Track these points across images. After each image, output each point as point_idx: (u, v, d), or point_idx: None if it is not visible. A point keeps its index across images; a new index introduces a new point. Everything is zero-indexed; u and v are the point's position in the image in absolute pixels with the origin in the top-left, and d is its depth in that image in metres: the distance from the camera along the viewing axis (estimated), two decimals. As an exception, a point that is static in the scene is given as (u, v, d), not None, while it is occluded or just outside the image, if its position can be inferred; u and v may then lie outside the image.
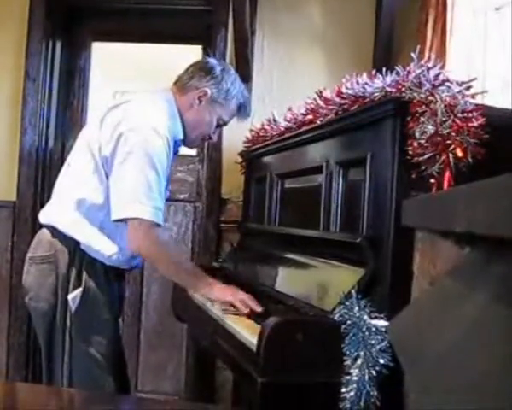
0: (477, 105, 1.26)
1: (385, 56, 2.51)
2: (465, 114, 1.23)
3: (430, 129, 1.23)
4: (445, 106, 1.23)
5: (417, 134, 1.25)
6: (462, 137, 1.21)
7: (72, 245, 1.68)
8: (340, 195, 1.56)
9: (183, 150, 2.01)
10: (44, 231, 1.73)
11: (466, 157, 1.21)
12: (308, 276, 1.61)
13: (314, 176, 1.72)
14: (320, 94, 1.70)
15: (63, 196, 1.74)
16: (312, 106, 1.73)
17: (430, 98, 1.25)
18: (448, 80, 1.28)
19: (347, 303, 1.21)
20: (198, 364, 2.54)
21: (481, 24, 2.05)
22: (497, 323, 0.57)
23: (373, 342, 1.16)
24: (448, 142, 1.21)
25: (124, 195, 1.62)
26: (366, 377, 1.14)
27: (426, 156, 1.24)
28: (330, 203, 1.59)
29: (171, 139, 1.70)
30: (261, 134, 2.17)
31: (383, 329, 1.16)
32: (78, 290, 1.66)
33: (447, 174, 1.22)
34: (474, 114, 1.23)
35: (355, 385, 1.14)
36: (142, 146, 1.61)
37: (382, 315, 1.19)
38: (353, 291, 1.24)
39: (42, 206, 1.94)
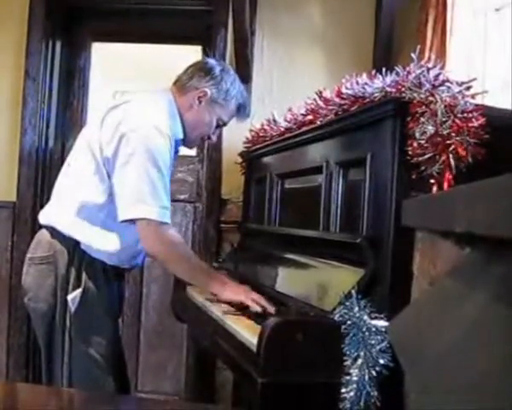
0: (477, 105, 1.25)
1: (385, 56, 2.51)
2: (465, 115, 1.23)
3: (430, 129, 1.22)
4: (445, 106, 1.23)
5: (417, 134, 1.25)
6: (462, 137, 1.21)
7: (72, 246, 1.68)
8: (339, 195, 1.56)
9: (183, 150, 2.02)
10: (44, 231, 1.73)
11: (466, 157, 1.21)
12: (308, 276, 1.61)
13: (314, 176, 1.72)
14: (320, 94, 1.70)
15: (63, 196, 1.74)
16: (312, 106, 1.73)
17: (430, 98, 1.25)
18: (448, 80, 1.27)
19: (347, 303, 1.21)
20: (198, 364, 2.54)
21: (481, 24, 2.05)
22: (497, 323, 0.57)
23: (373, 342, 1.16)
24: (448, 142, 1.21)
25: (129, 196, 1.62)
26: (366, 377, 1.14)
27: (426, 157, 1.23)
28: (330, 203, 1.59)
29: (173, 138, 1.70)
30: (261, 134, 2.17)
31: (383, 329, 1.16)
32: (78, 291, 1.66)
33: (447, 174, 1.22)
34: (474, 114, 1.23)
35: (355, 385, 1.14)
36: (145, 145, 1.61)
37: (382, 315, 1.19)
38: (353, 291, 1.23)
39: (42, 206, 1.94)
